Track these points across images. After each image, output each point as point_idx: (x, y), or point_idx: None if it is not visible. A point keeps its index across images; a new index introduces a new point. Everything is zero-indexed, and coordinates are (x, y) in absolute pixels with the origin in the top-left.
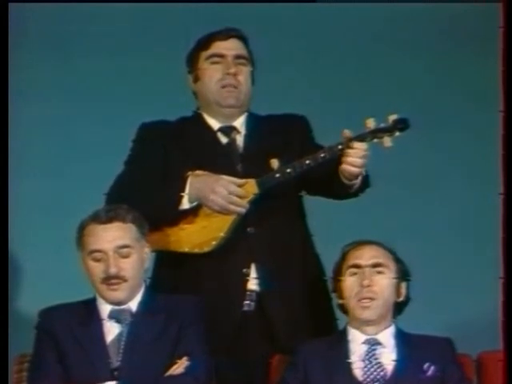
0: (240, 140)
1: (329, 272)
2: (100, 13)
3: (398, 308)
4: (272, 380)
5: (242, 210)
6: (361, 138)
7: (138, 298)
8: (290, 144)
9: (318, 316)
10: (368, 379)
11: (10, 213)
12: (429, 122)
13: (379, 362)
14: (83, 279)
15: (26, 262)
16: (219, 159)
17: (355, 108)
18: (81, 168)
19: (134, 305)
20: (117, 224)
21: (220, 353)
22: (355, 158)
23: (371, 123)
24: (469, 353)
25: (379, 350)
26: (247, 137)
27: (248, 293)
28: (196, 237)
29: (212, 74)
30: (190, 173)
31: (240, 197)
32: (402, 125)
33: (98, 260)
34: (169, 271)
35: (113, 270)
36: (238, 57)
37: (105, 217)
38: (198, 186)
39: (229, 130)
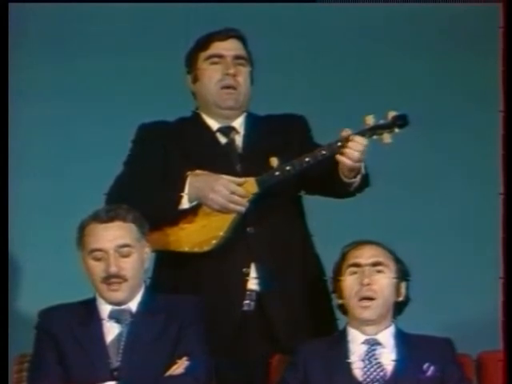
0: (239, 140)
1: (329, 272)
2: (100, 13)
3: (398, 308)
4: (272, 380)
5: (242, 209)
6: (360, 134)
7: (138, 298)
8: (289, 144)
9: (317, 316)
10: (368, 379)
11: (10, 213)
12: (429, 122)
13: (379, 362)
14: (83, 279)
15: (25, 262)
16: (218, 159)
17: (355, 108)
18: (81, 168)
19: (133, 305)
20: (117, 223)
21: (220, 353)
22: (352, 151)
23: (370, 120)
24: (469, 353)
25: (379, 350)
26: (246, 137)
27: (248, 292)
28: (196, 236)
29: (211, 75)
30: (189, 172)
31: (240, 196)
32: (401, 121)
33: (98, 259)
34: (169, 271)
35: (113, 269)
36: (237, 57)
37: (105, 216)
38: (198, 185)
39: (228, 131)
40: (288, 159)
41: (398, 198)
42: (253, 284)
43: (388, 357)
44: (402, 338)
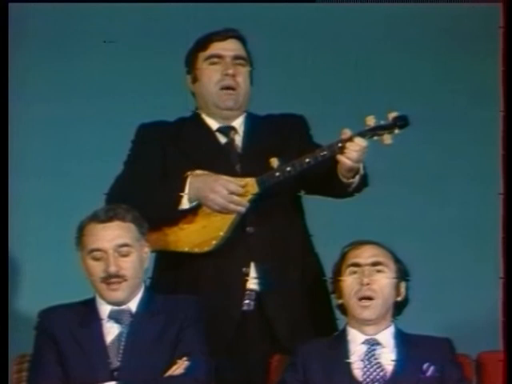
0: (239, 140)
1: (328, 272)
2: (100, 13)
3: (398, 308)
4: (271, 380)
5: (242, 209)
6: (361, 135)
7: (138, 298)
8: (289, 144)
9: (317, 316)
10: (367, 379)
11: (10, 213)
12: (429, 122)
13: (379, 362)
14: (83, 279)
15: (25, 262)
16: (218, 159)
17: (355, 108)
18: (81, 168)
19: (133, 305)
20: (116, 223)
21: (220, 353)
22: (351, 151)
23: (371, 120)
24: (469, 353)
25: (379, 351)
26: (246, 137)
27: (247, 292)
28: (196, 236)
29: (210, 75)
30: (189, 173)
31: (240, 196)
32: (401, 122)
33: (97, 259)
34: (168, 271)
35: (113, 269)
36: (236, 57)
37: (104, 216)
38: (198, 185)
39: (227, 130)
40: (288, 159)
41: (397, 198)
42: (252, 284)
43: (388, 357)
44: (401, 338)
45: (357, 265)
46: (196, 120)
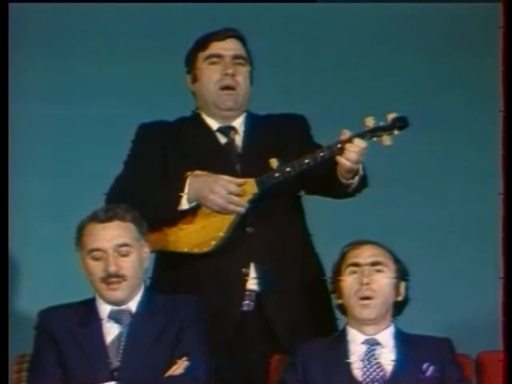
0: (239, 140)
1: (328, 272)
2: (100, 13)
3: (397, 308)
4: (271, 380)
5: (242, 210)
6: (360, 136)
7: (138, 298)
8: (289, 144)
9: (317, 316)
10: (367, 379)
11: (11, 213)
12: (429, 122)
13: (378, 362)
14: (83, 279)
15: (25, 262)
16: (218, 159)
17: (355, 108)
18: (81, 168)
19: (133, 305)
20: (116, 223)
21: (219, 353)
22: (351, 153)
23: (371, 122)
24: (468, 353)
25: (378, 351)
26: (246, 137)
27: (247, 293)
28: (195, 237)
29: (210, 75)
30: (189, 173)
31: (239, 196)
32: (401, 123)
33: (97, 259)
34: (168, 272)
35: (112, 269)
36: (236, 57)
37: (104, 216)
38: (197, 186)
39: (227, 130)
40: (288, 159)
41: (397, 198)
42: (252, 284)
43: (387, 357)
44: (401, 338)
45: (356, 265)
46: (196, 120)
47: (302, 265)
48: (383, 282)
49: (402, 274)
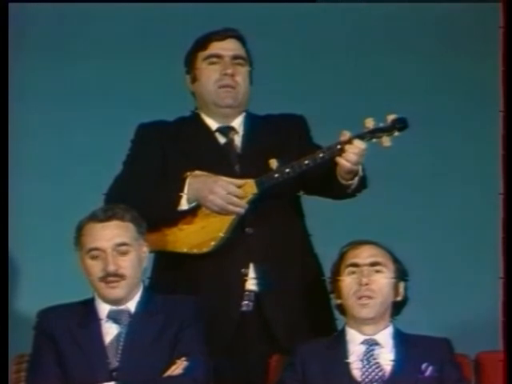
0: (238, 140)
1: (327, 272)
2: (100, 13)
3: (396, 308)
4: (271, 380)
5: (241, 211)
6: (360, 137)
7: (137, 298)
8: (288, 144)
9: (316, 316)
10: (366, 379)
11: (10, 214)
12: (429, 122)
13: (377, 363)
14: (82, 279)
15: (25, 263)
16: (217, 159)
17: (355, 108)
18: (80, 169)
19: (132, 305)
20: (115, 222)
21: (219, 353)
22: (350, 154)
23: (370, 123)
24: (468, 353)
25: (377, 351)
26: (245, 137)
27: (246, 293)
28: (195, 237)
29: (209, 75)
30: (188, 173)
31: (239, 197)
32: (400, 124)
33: (96, 258)
34: (167, 272)
35: (111, 268)
36: (235, 57)
37: (103, 215)
38: (197, 186)
39: (227, 130)
40: (287, 159)
41: (397, 198)
42: (251, 284)
43: (386, 357)
44: (400, 338)
45: (355, 265)
46: (195, 120)
47: (302, 265)
48: (382, 282)
49: (401, 274)
